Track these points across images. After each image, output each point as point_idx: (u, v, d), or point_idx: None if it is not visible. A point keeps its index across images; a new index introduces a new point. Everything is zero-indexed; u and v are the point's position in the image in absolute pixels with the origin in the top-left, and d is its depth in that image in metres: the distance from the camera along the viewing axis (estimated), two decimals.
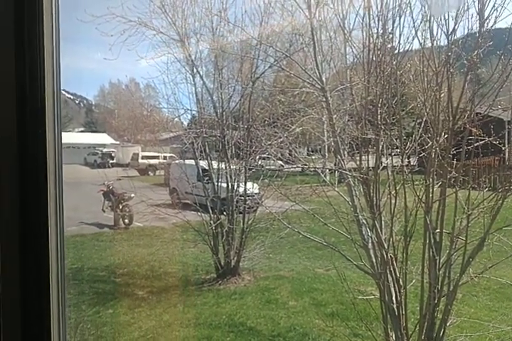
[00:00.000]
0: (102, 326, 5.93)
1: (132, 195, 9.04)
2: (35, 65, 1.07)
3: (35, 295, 1.12)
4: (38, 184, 1.10)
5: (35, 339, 1.14)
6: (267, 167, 7.81)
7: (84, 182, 10.61)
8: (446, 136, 4.20)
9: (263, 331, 5.78)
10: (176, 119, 8.80)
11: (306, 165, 6.63)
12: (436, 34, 4.17)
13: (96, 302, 6.53)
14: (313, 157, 8.22)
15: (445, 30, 4.13)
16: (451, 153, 4.19)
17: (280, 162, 7.35)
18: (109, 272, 7.76)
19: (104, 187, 9.85)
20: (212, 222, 7.46)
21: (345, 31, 5.10)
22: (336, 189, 5.24)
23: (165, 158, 11.91)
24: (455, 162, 4.22)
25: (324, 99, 5.27)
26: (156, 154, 12.53)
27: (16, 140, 1.06)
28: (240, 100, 7.75)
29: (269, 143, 6.90)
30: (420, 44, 4.31)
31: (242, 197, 7.63)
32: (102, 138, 14.78)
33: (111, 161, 13.70)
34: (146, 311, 6.33)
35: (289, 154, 6.66)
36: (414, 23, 4.33)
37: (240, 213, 7.62)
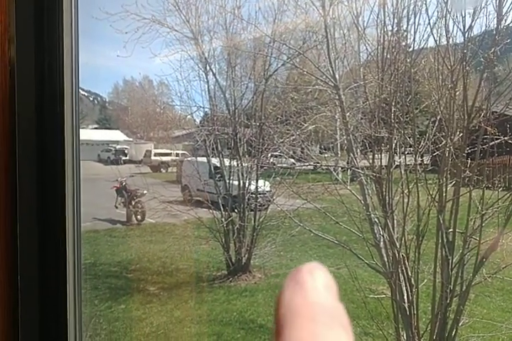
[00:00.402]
0: (114, 321, 5.98)
1: (145, 192, 9.06)
2: (55, 61, 1.08)
3: (53, 291, 1.13)
4: (56, 180, 1.11)
5: (53, 333, 1.16)
6: (279, 165, 7.78)
7: (98, 179, 10.67)
8: (460, 134, 4.16)
9: None
10: (189, 117, 8.83)
11: (318, 163, 6.60)
12: (452, 31, 4.14)
13: (108, 297, 6.59)
14: (326, 155, 8.16)
15: (461, 27, 4.09)
16: (466, 152, 4.15)
17: (292, 160, 7.32)
18: (122, 268, 7.81)
19: (117, 183, 9.89)
20: (223, 219, 7.47)
21: (360, 28, 5.07)
22: (348, 187, 5.22)
23: (177, 155, 11.94)
24: (469, 161, 4.18)
25: (337, 97, 5.25)
26: (168, 151, 12.54)
27: (35, 136, 1.07)
28: (253, 98, 7.73)
29: (282, 140, 6.88)
30: (435, 41, 4.27)
31: (254, 195, 7.62)
32: (115, 135, 14.82)
33: (124, 158, 13.74)
34: (158, 307, 6.37)
35: (301, 152, 6.65)
36: (429, 20, 4.30)
37: (251, 211, 7.61)
